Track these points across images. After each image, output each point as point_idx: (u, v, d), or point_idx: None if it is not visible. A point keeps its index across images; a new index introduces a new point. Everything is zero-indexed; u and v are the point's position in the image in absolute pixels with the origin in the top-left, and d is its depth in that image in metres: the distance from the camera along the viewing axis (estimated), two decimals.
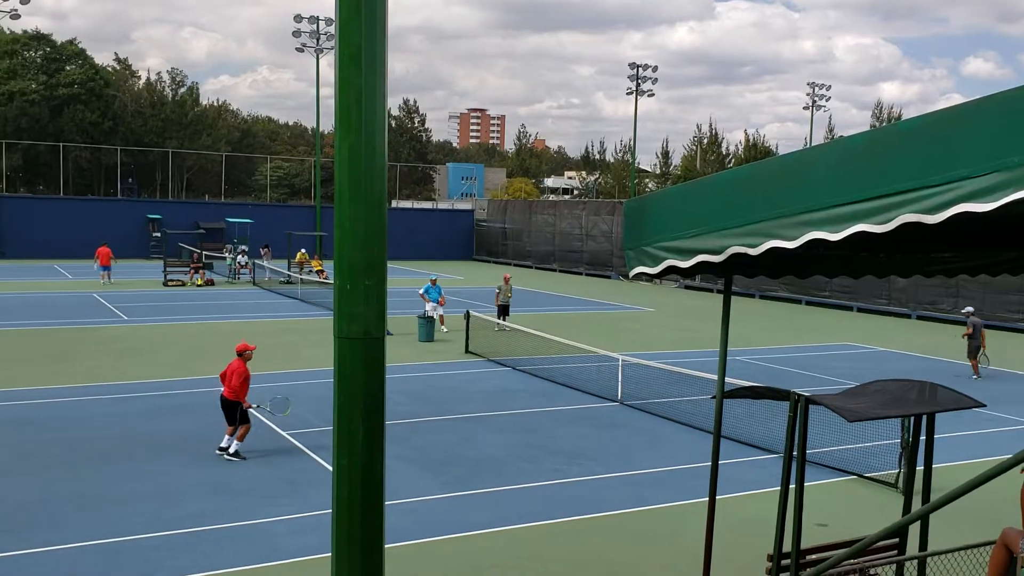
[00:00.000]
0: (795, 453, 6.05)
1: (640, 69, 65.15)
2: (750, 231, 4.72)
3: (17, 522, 10.42)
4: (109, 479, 12.12)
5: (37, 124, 70.82)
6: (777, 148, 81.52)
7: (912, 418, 6.97)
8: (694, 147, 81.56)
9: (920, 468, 6.89)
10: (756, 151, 74.44)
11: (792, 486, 6.09)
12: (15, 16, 51.52)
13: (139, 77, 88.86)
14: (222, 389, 13.42)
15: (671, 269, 5.56)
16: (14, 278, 39.60)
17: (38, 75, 73.60)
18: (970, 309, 22.88)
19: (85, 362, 20.39)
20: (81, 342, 23.14)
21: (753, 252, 4.72)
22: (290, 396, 14.62)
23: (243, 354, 13.49)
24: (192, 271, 39.46)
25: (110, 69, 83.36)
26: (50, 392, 17.31)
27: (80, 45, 77.86)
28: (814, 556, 6.76)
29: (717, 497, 6.81)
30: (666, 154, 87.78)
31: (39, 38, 75.58)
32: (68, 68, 75.50)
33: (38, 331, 24.76)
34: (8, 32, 72.86)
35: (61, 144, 66.98)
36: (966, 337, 21.82)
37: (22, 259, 49.83)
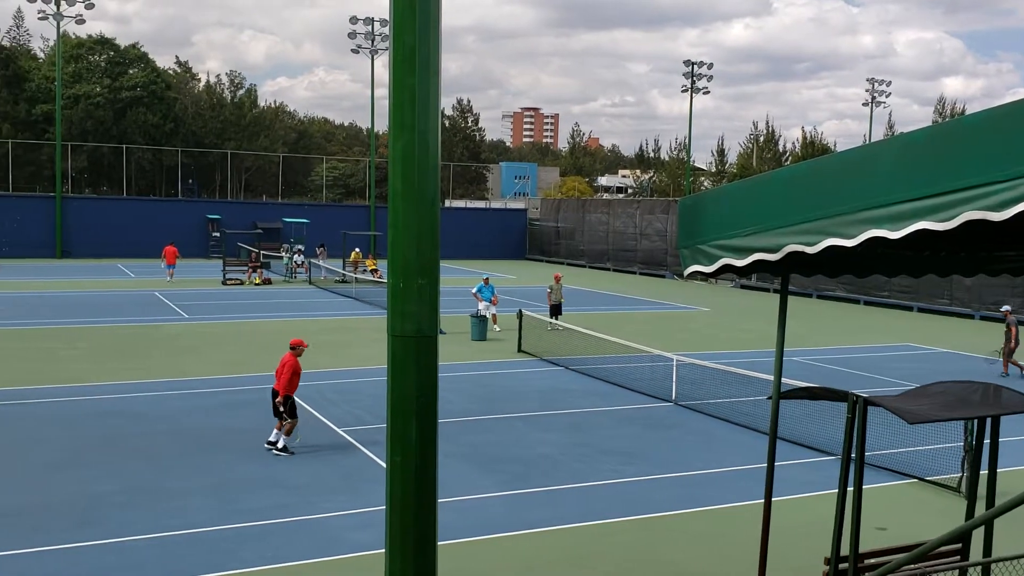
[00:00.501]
0: (853, 455, 5.94)
1: (695, 66, 64.57)
2: (807, 229, 4.64)
3: (76, 515, 10.70)
4: (168, 473, 12.37)
5: (101, 126, 72.62)
6: (835, 145, 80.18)
7: (976, 421, 6.79)
8: (750, 145, 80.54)
9: (984, 472, 6.71)
10: (814, 149, 73.13)
11: (850, 488, 5.98)
12: (80, 21, 52.97)
13: (199, 80, 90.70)
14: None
15: (726, 268, 5.50)
16: (80, 276, 40.67)
17: (102, 79, 75.40)
18: (1008, 308, 22.06)
19: (146, 359, 20.85)
20: (143, 339, 23.67)
21: (810, 251, 4.64)
22: (344, 392, 14.79)
23: (295, 348, 13.70)
24: (250, 270, 40.09)
25: (171, 72, 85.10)
26: (112, 388, 17.73)
27: (142, 49, 79.62)
28: (873, 560, 6.63)
29: (773, 499, 6.72)
30: (722, 152, 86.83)
31: (103, 42, 77.43)
32: (131, 71, 77.23)
33: (102, 328, 25.39)
34: (74, 37, 74.84)
35: (124, 146, 68.54)
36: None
37: (87, 258, 51.15)
